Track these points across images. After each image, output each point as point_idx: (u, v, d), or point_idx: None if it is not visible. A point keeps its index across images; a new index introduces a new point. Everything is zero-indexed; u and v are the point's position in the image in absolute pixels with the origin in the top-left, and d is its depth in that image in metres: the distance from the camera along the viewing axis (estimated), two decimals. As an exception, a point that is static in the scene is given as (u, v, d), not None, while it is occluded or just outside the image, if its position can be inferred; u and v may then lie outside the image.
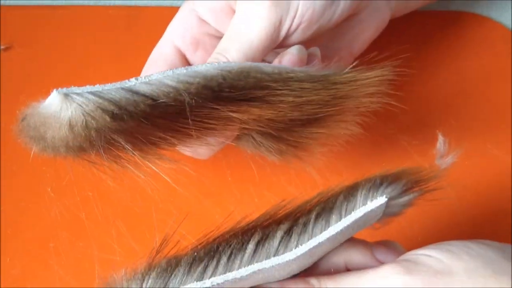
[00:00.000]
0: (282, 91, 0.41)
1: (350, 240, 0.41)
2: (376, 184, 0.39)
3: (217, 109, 0.40)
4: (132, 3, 0.67)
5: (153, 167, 0.41)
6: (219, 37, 0.49)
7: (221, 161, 0.56)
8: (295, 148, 0.46)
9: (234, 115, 0.40)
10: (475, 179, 0.54)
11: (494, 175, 0.55)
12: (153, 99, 0.37)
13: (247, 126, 0.42)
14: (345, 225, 0.38)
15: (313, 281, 0.38)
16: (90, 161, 0.40)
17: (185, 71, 0.39)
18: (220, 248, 0.37)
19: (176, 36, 0.51)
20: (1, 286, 0.52)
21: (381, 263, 0.40)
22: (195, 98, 0.38)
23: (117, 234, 0.54)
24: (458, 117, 0.58)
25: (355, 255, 0.40)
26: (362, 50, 0.52)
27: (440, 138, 0.44)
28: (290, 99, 0.42)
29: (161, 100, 0.38)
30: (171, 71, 0.39)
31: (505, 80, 0.59)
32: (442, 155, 0.44)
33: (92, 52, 0.64)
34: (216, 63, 0.41)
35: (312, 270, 0.40)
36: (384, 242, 0.42)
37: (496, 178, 0.55)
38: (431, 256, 0.37)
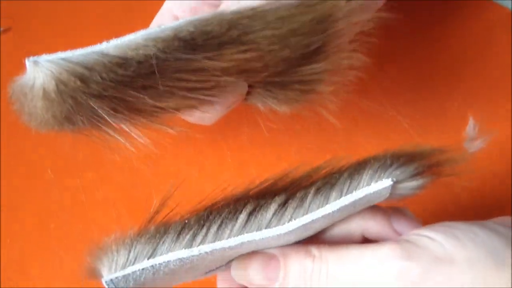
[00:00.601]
0: (257, 26, 0.39)
1: (368, 208, 0.40)
2: (386, 164, 0.38)
3: (192, 59, 0.38)
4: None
5: (144, 140, 0.40)
6: (218, 6, 0.49)
7: (220, 143, 0.56)
8: (303, 92, 0.44)
9: (212, 63, 0.38)
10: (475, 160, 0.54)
11: (496, 153, 0.55)
12: (122, 58, 0.36)
13: (240, 77, 0.41)
14: (343, 204, 0.37)
15: (314, 251, 0.38)
16: (85, 134, 0.39)
17: (158, 29, 0.38)
18: (211, 217, 0.37)
19: (175, 5, 0.50)
20: (1, 267, 0.52)
21: (398, 234, 0.39)
22: (165, 50, 0.37)
23: (117, 215, 0.54)
24: (460, 99, 0.57)
25: (372, 224, 0.40)
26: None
27: (471, 122, 0.43)
28: (269, 32, 0.40)
29: (129, 58, 0.36)
30: (143, 30, 0.38)
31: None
32: (472, 138, 0.43)
33: (91, 31, 0.64)
34: (190, 18, 0.39)
35: (321, 235, 0.40)
36: (401, 210, 0.41)
37: (498, 157, 0.55)
38: (434, 240, 0.36)
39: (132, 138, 0.44)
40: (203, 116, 0.45)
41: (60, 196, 0.55)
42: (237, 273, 0.39)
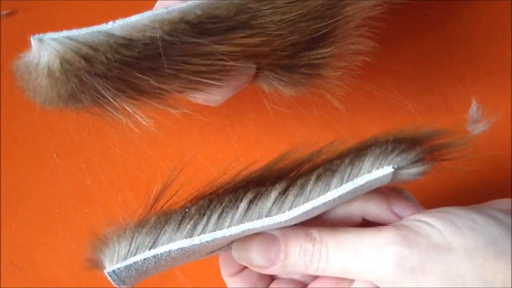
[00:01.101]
0: (266, 11, 0.39)
1: (369, 191, 0.40)
2: (387, 151, 0.38)
3: (199, 43, 0.38)
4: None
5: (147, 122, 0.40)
6: None
7: (226, 127, 0.56)
8: (310, 76, 0.43)
9: (219, 48, 0.38)
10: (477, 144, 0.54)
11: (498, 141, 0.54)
12: (128, 39, 0.36)
13: (251, 61, 0.41)
14: (344, 191, 0.37)
15: (315, 234, 0.38)
16: (90, 113, 0.39)
17: (165, 10, 0.37)
18: (212, 206, 0.37)
19: None
20: (6, 253, 0.52)
21: (398, 217, 0.39)
22: (171, 33, 0.37)
23: (122, 200, 0.54)
24: (464, 83, 0.57)
25: (372, 207, 0.40)
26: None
27: (474, 104, 0.43)
28: (278, 17, 0.39)
29: (134, 39, 0.36)
30: (149, 11, 0.37)
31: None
32: (475, 121, 0.43)
33: (97, 15, 0.63)
34: (197, 0, 0.38)
35: (321, 216, 0.40)
36: (401, 192, 0.41)
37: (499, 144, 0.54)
38: (434, 226, 0.36)
39: (136, 119, 0.44)
40: (210, 97, 0.44)
41: (65, 181, 0.55)
42: (238, 254, 0.39)
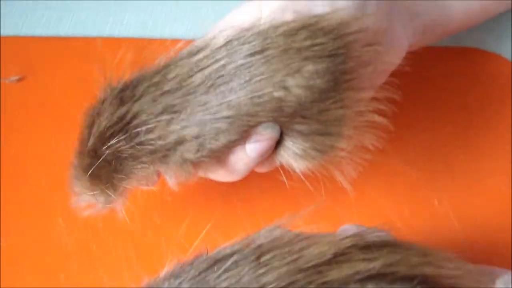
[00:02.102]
0: None
1: None
2: None
3: None
4: (142, 34, 0.68)
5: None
6: None
7: (230, 194, 0.57)
8: (323, 146, 0.45)
9: None
10: (479, 213, 0.55)
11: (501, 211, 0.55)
12: None
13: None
14: None
15: None
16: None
17: None
18: None
19: None
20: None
21: None
22: None
23: (126, 265, 0.54)
24: (466, 151, 0.58)
25: None
26: (382, 82, 0.51)
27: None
28: None
29: None
30: None
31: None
32: None
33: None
34: None
35: None
36: None
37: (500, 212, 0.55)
38: None
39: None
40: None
41: (70, 245, 0.55)
42: None
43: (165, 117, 0.44)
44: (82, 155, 0.46)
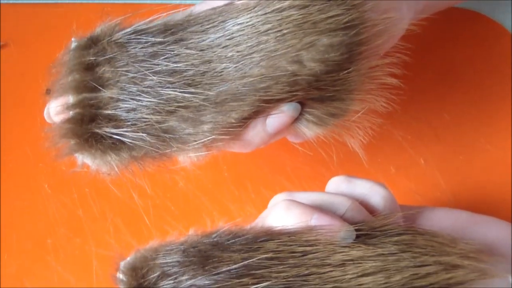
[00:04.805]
0: None
1: None
2: None
3: None
4: (128, 0, 0.67)
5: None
6: None
7: (217, 159, 0.57)
8: (338, 111, 0.45)
9: None
10: (468, 174, 0.55)
11: (486, 170, 0.55)
12: None
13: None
14: None
15: None
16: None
17: None
18: None
19: None
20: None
21: None
22: None
23: (114, 230, 0.54)
24: (451, 112, 0.58)
25: None
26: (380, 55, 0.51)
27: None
28: None
29: None
30: None
31: (500, 76, 0.60)
32: None
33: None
34: None
35: None
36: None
37: (488, 172, 0.55)
38: None
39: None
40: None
41: (57, 212, 0.55)
42: None
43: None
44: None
